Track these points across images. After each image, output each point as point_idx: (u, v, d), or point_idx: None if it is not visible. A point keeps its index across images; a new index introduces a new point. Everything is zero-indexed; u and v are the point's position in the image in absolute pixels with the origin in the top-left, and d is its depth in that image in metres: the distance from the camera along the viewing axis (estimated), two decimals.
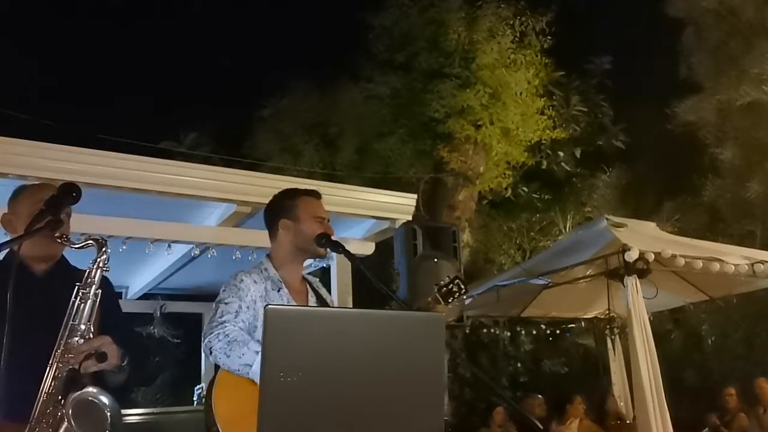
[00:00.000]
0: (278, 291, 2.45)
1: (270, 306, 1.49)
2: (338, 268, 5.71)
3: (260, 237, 5.29)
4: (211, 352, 2.23)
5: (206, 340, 2.26)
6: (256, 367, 2.07)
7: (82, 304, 2.00)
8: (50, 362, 1.93)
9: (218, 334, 2.23)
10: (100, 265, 2.06)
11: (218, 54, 16.97)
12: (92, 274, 2.05)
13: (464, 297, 2.57)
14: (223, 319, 2.29)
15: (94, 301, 2.01)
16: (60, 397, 1.90)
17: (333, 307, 3.02)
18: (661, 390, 4.97)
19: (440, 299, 2.53)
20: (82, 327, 1.98)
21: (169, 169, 4.99)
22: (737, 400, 6.82)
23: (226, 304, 2.34)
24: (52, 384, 1.91)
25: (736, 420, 6.61)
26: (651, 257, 5.23)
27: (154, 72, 16.96)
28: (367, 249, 5.98)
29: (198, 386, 6.65)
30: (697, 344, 11.29)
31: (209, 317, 2.38)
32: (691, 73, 11.66)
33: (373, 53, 11.22)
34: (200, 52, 17.10)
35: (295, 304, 2.45)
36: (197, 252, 5.57)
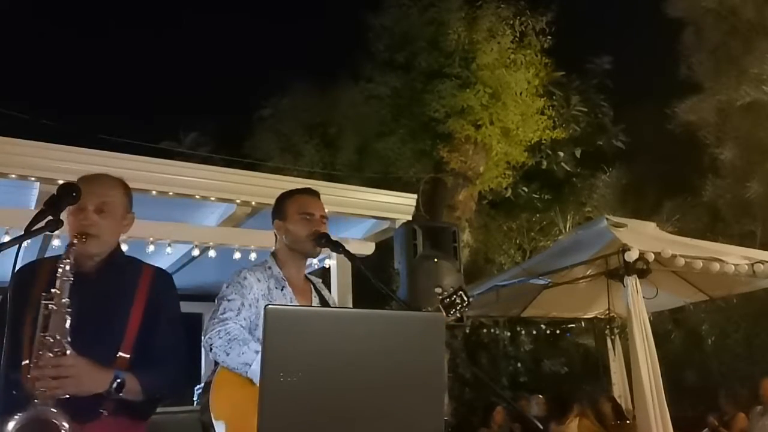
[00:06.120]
0: (281, 290, 2.44)
1: (270, 306, 1.49)
2: (338, 268, 5.71)
3: (260, 237, 5.30)
4: (211, 349, 2.23)
5: (207, 337, 2.25)
6: (255, 367, 2.07)
7: (52, 316, 1.83)
8: (24, 379, 1.80)
9: (219, 331, 2.23)
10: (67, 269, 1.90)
11: (218, 55, 17.00)
12: (59, 285, 1.86)
13: (466, 309, 2.56)
14: (224, 316, 2.28)
15: (65, 312, 1.84)
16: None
17: (333, 307, 3.01)
18: (661, 390, 4.97)
19: (442, 310, 2.54)
20: (52, 341, 1.80)
21: (169, 169, 4.99)
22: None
23: (228, 301, 2.34)
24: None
25: (736, 420, 6.60)
26: (651, 257, 5.23)
27: (154, 72, 16.99)
28: (367, 249, 5.98)
29: (198, 386, 6.63)
30: (697, 344, 11.27)
31: (211, 313, 2.37)
32: (691, 73, 11.66)
33: (373, 53, 11.24)
34: (201, 53, 17.13)
35: (298, 303, 2.45)
36: (197, 252, 5.57)
